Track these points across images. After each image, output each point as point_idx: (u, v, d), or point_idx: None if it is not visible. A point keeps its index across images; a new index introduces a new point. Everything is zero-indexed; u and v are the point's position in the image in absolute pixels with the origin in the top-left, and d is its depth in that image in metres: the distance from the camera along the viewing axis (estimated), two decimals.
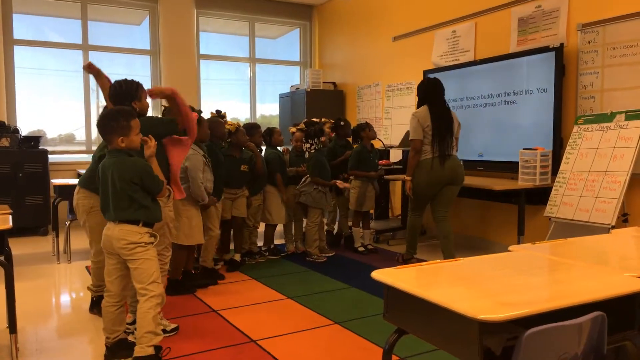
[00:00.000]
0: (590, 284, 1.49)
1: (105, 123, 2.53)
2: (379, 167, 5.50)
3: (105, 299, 2.69)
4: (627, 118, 3.93)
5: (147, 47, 7.36)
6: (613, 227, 3.68)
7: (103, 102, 7.15)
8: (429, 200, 4.39)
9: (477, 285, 1.49)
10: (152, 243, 2.60)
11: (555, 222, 4.21)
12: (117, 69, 7.17)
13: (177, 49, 7.34)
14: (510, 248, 1.92)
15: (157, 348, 2.63)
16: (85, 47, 6.99)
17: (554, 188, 4.26)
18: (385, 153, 6.34)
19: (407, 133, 6.00)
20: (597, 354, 1.36)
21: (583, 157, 4.14)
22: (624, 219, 3.98)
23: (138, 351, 2.54)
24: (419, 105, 4.37)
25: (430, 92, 4.32)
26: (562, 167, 4.27)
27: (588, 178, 4.03)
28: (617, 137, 3.95)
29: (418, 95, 4.40)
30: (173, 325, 3.12)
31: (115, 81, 3.09)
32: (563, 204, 4.13)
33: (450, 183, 4.30)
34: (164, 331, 3.04)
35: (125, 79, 3.10)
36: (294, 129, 5.22)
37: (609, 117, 4.08)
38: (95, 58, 7.06)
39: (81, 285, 4.23)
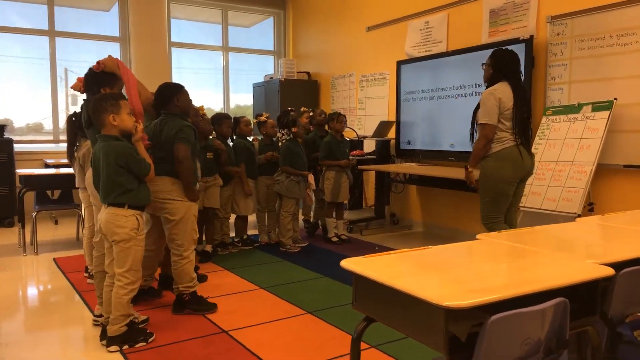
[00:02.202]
0: (554, 270, 1.52)
1: (96, 104, 2.66)
2: (352, 157, 5.51)
3: (106, 281, 2.81)
4: (594, 109, 4.02)
5: (117, 34, 7.19)
6: (579, 216, 3.77)
7: (71, 92, 7.02)
8: (510, 199, 3.54)
9: (444, 273, 1.51)
10: (137, 229, 2.70)
11: (523, 211, 4.29)
12: (85, 57, 6.99)
13: (147, 36, 7.19)
14: (477, 236, 1.94)
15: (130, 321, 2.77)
16: (52, 33, 6.79)
17: None
18: (358, 143, 6.35)
19: (381, 123, 6.06)
20: (560, 339, 1.39)
21: (551, 148, 4.22)
22: (589, 208, 4.08)
23: (112, 331, 2.71)
24: (491, 81, 3.49)
25: (511, 65, 3.45)
26: None
27: (555, 168, 4.11)
28: (583, 128, 4.03)
29: (493, 67, 3.48)
30: (143, 317, 3.08)
31: (90, 68, 3.04)
32: (531, 193, 4.21)
33: (525, 178, 3.56)
34: (134, 323, 3.01)
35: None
36: (262, 118, 5.13)
37: (576, 109, 4.16)
38: (63, 45, 6.87)
39: (48, 277, 4.14)
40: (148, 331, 2.89)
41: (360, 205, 6.66)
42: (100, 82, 2.98)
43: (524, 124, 3.42)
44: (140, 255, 2.77)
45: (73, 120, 3.82)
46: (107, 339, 2.73)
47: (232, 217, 5.01)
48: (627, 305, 1.68)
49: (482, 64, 3.60)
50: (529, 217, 4.24)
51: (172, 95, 3.20)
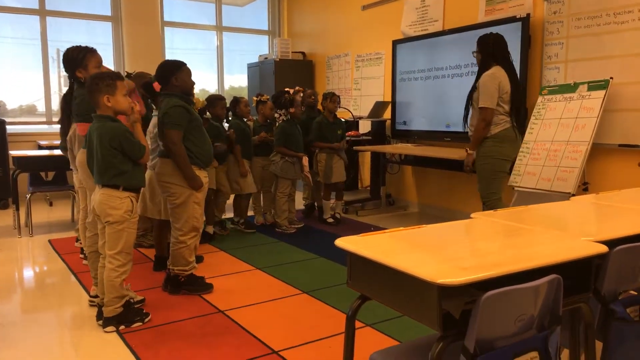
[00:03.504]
0: (548, 248, 1.52)
1: (92, 83, 2.60)
2: (347, 137, 5.48)
3: (100, 261, 2.80)
4: (590, 88, 4.00)
5: (108, 12, 7.08)
6: (573, 196, 3.78)
7: (64, 73, 6.92)
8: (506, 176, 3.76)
9: (438, 251, 1.51)
10: (131, 211, 2.68)
11: (518, 191, 4.30)
12: (77, 37, 6.89)
13: (139, 15, 7.07)
14: (472, 215, 1.94)
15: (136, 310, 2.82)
16: (42, 12, 6.68)
17: (517, 158, 4.32)
18: (354, 124, 6.33)
19: (377, 103, 6.03)
20: (553, 316, 1.40)
21: (546, 128, 4.21)
22: (584, 188, 4.09)
23: (108, 311, 2.73)
24: (483, 66, 3.66)
25: (498, 47, 3.61)
26: (526, 137, 4.33)
27: (551, 148, 4.11)
28: (579, 108, 4.02)
29: (482, 52, 3.66)
30: (139, 298, 3.09)
31: (67, 48, 2.97)
32: (526, 173, 4.21)
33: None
34: (130, 303, 3.02)
35: (77, 46, 2.96)
36: (264, 98, 5.10)
37: (572, 88, 4.14)
38: (54, 24, 6.77)
39: (44, 259, 4.14)
40: (144, 311, 2.90)
41: (356, 186, 6.66)
42: (72, 64, 2.89)
43: (519, 106, 3.64)
44: (132, 237, 2.74)
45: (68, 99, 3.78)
46: (104, 320, 2.74)
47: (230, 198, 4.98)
48: (620, 283, 1.69)
49: (473, 52, 3.77)
50: (524, 197, 4.25)
51: (169, 75, 3.12)
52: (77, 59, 2.87)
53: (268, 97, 5.09)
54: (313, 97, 5.50)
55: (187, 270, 3.25)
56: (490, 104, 3.52)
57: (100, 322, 2.78)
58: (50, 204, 6.37)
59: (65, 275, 3.69)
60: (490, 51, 3.62)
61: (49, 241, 4.59)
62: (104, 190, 2.65)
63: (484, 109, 3.54)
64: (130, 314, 2.80)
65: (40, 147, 6.21)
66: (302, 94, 5.59)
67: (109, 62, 6.87)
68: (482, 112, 3.55)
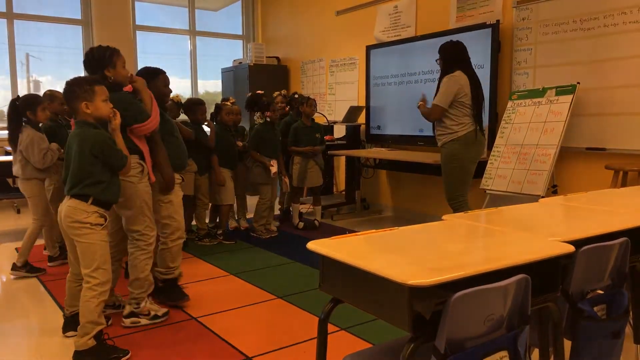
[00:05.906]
0: (517, 248, 1.55)
1: (69, 89, 2.44)
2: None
3: (69, 275, 2.67)
4: (558, 93, 4.10)
5: (78, 16, 6.96)
6: (543, 198, 3.85)
7: (33, 78, 6.77)
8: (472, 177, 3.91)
9: (409, 253, 1.52)
10: (101, 225, 2.45)
11: (490, 194, 4.36)
12: (45, 41, 6.75)
13: (110, 19, 6.97)
14: (443, 217, 1.96)
15: (98, 333, 2.48)
16: (9, 15, 6.53)
17: (489, 161, 4.40)
18: (328, 129, 6.34)
19: (351, 108, 6.06)
20: (522, 315, 1.42)
21: (516, 131, 4.29)
22: (553, 190, 4.18)
23: (79, 344, 2.43)
24: (446, 71, 3.81)
25: (462, 55, 3.80)
26: (497, 141, 4.41)
27: (521, 151, 4.19)
28: (548, 112, 4.11)
29: (445, 58, 3.84)
30: (164, 310, 2.96)
31: (89, 48, 2.90)
32: (497, 176, 4.28)
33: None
34: (156, 316, 2.92)
35: (100, 46, 2.84)
36: (228, 104, 5.02)
37: (540, 93, 4.23)
38: (22, 28, 6.61)
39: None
40: (122, 348, 2.55)
41: (331, 190, 6.67)
42: (100, 64, 2.76)
43: (479, 108, 3.80)
44: (106, 251, 2.50)
45: (16, 105, 3.70)
46: (74, 353, 2.47)
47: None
48: (587, 282, 1.72)
49: (436, 60, 3.94)
50: (495, 200, 4.32)
51: (146, 82, 3.10)
52: (105, 58, 2.73)
53: (234, 100, 5.03)
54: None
55: (166, 275, 3.19)
56: (443, 103, 3.72)
57: (68, 333, 2.68)
58: (18, 211, 6.20)
59: (33, 284, 3.60)
60: (451, 57, 3.80)
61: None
62: (71, 202, 2.43)
63: (436, 106, 3.76)
64: (104, 350, 2.49)
65: (7, 153, 6.05)
66: (296, 96, 5.55)
67: (79, 67, 6.76)
68: (434, 108, 3.78)
